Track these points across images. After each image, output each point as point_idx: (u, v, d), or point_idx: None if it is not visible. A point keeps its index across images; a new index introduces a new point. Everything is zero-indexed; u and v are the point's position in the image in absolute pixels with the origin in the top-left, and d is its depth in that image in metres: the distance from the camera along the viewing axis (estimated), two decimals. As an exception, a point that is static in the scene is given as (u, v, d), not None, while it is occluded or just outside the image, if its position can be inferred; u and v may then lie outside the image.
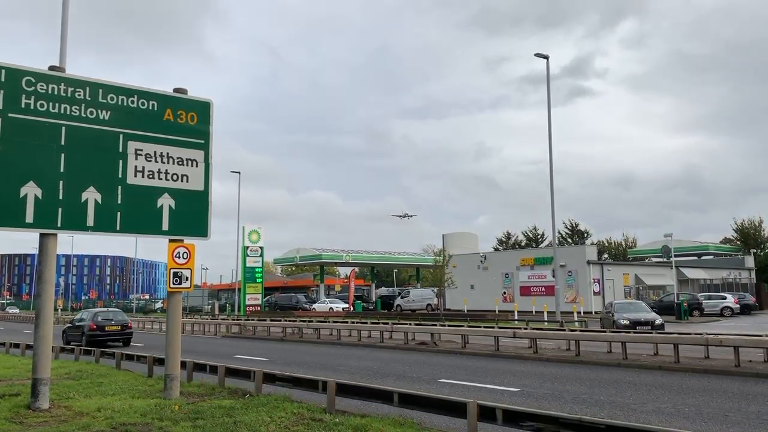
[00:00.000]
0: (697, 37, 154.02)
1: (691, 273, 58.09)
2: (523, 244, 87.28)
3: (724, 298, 44.83)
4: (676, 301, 39.66)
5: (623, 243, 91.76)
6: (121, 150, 10.98)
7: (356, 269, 74.16)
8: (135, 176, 11.09)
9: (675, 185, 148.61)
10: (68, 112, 10.42)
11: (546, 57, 32.89)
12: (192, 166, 11.74)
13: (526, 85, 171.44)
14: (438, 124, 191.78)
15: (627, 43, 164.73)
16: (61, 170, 10.29)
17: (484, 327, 24.71)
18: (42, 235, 10.28)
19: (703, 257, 72.27)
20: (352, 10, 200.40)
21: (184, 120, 11.73)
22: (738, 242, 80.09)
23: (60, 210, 10.25)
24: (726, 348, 15.52)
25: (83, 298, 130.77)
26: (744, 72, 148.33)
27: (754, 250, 73.79)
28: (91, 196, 10.54)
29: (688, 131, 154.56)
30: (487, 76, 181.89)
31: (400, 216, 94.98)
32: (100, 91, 10.81)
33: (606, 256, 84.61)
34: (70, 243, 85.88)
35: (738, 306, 43.96)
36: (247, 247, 55.66)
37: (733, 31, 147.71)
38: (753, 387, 12.46)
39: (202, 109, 12.02)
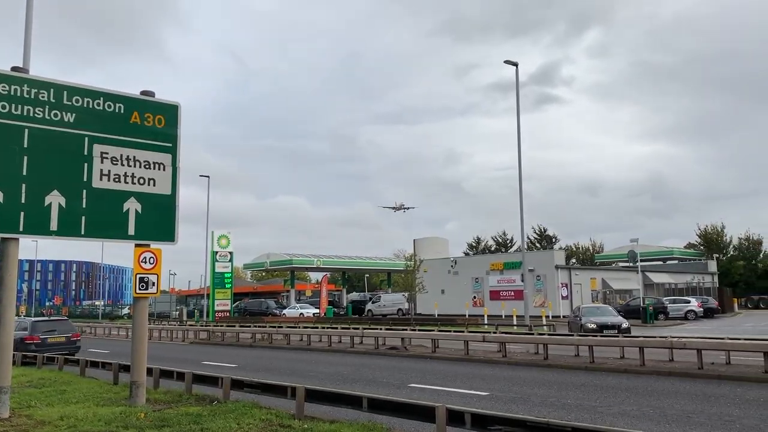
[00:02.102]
0: (660, 48, 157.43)
1: (656, 277, 59.15)
2: (492, 248, 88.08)
3: (688, 302, 45.74)
4: (642, 305, 40.35)
5: (590, 248, 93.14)
6: (86, 153, 10.79)
7: (328, 274, 73.81)
8: (100, 180, 10.90)
9: (640, 192, 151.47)
10: (31, 114, 10.20)
11: (515, 64, 33.24)
12: (159, 169, 11.59)
13: (495, 93, 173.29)
14: (409, 130, 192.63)
15: (592, 52, 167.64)
16: (24, 173, 10.06)
17: (454, 331, 24.84)
18: (3, 240, 10.03)
19: (668, 262, 73.76)
20: (322, 16, 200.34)
21: (151, 123, 11.58)
22: (701, 247, 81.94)
23: (22, 214, 10.02)
24: (689, 351, 15.83)
25: (47, 304, 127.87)
26: (704, 82, 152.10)
27: (717, 255, 75.63)
28: (55, 199, 10.33)
29: (653, 139, 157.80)
30: (457, 83, 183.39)
31: (393, 208, 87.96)
32: (65, 92, 10.62)
33: (574, 260, 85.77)
34: (34, 248, 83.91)
35: (701, 310, 44.87)
36: (216, 252, 55.06)
37: (694, 42, 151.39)
38: (715, 389, 12.72)
39: (170, 112, 11.88)
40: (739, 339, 17.64)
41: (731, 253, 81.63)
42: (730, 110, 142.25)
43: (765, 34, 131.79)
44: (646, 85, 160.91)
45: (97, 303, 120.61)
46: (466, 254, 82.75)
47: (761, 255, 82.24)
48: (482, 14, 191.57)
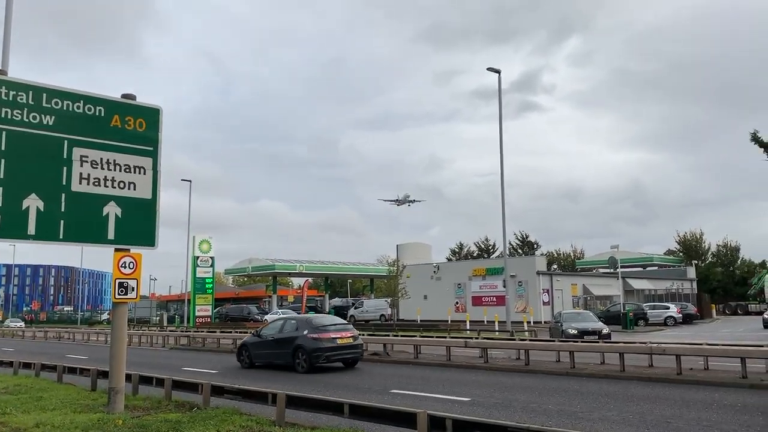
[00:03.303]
0: (640, 56, 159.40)
1: (636, 284, 59.76)
2: (475, 254, 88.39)
3: (668, 308, 46.27)
4: (622, 311, 40.72)
5: (572, 254, 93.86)
6: (65, 156, 10.66)
7: (310, 280, 73.57)
8: (80, 183, 10.77)
9: (621, 198, 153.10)
10: (9, 117, 10.05)
11: (498, 71, 33.47)
12: (140, 173, 11.48)
13: (477, 99, 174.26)
14: (391, 135, 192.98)
15: (573, 60, 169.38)
16: (1, 176, 9.90)
17: (436, 337, 24.86)
18: (-21, 244, 9.87)
19: (648, 268, 74.57)
20: (303, 22, 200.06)
21: (132, 126, 11.48)
22: (681, 254, 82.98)
23: (-1, 217, 9.86)
24: (669, 356, 15.99)
25: (25, 309, 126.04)
26: (684, 91, 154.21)
27: (696, 262, 76.60)
28: (33, 203, 10.18)
29: (633, 147, 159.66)
30: (439, 89, 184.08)
31: (396, 201, 79.07)
32: (44, 95, 10.48)
33: (555, 266, 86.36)
34: (11, 252, 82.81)
35: (680, 315, 45.42)
36: (198, 257, 54.70)
37: (673, 51, 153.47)
38: (694, 394, 12.85)
39: (151, 115, 11.78)
40: (716, 345, 17.85)
41: (710, 259, 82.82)
42: (709, 118, 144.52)
43: (743, 43, 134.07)
44: (627, 92, 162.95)
45: (66, 309, 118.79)
46: (449, 260, 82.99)
47: (738, 261, 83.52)
48: (464, 21, 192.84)
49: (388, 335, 26.46)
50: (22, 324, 72.92)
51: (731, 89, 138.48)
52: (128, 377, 12.27)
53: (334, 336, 18.47)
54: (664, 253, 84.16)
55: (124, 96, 11.64)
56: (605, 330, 25.15)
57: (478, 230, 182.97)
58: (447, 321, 44.47)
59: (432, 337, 24.99)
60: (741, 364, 14.53)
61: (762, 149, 33.81)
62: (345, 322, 21.91)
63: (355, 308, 55.77)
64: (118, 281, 11.29)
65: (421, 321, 46.55)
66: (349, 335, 19.13)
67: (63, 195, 10.57)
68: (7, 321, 78.38)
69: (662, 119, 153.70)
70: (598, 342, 20.24)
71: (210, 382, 11.32)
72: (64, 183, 10.60)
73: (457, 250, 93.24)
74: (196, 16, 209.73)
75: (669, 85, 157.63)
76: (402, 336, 25.79)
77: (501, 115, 34.05)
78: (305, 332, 18.45)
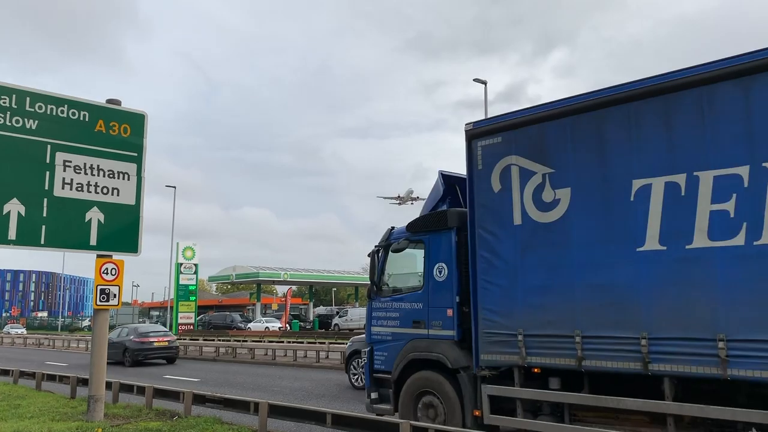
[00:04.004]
0: (621, 69, 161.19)
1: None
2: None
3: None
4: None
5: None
6: (48, 161, 10.57)
7: (294, 287, 73.09)
8: (62, 188, 10.68)
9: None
10: (-8, 120, 9.97)
11: (484, 82, 33.67)
12: (123, 179, 11.41)
13: (463, 109, 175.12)
14: (376, 144, 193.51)
15: (558, 72, 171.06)
16: (-18, 180, 9.81)
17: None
18: (-42, 248, 9.75)
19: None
20: (288, 31, 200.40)
21: (116, 132, 11.41)
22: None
23: (-21, 222, 9.75)
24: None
25: (4, 314, 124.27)
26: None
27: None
28: (14, 207, 10.07)
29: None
30: (424, 99, 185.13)
31: (397, 199, 69.01)
32: (28, 99, 10.40)
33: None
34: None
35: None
36: (181, 264, 54.25)
37: (654, 64, 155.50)
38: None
39: (136, 121, 11.72)
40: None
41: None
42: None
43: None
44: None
45: (40, 315, 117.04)
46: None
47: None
48: (450, 33, 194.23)
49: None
50: (24, 330, 70.98)
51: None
52: (108, 385, 12.13)
53: (153, 340, 25.12)
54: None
55: (109, 101, 11.58)
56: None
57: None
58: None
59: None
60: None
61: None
62: (165, 330, 28.87)
63: (340, 317, 55.57)
64: (99, 288, 11.19)
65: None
66: (166, 340, 25.74)
67: (45, 200, 10.47)
68: (7, 327, 76.28)
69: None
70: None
71: (192, 391, 11.21)
72: (46, 188, 10.50)
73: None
74: (181, 23, 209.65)
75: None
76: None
77: (487, 125, 34.19)
78: (131, 337, 25.03)
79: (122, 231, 11.35)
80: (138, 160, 11.64)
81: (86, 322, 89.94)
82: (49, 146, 10.59)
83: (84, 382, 12.89)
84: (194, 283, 55.41)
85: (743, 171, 5.91)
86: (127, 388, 12.79)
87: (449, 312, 8.32)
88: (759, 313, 5.68)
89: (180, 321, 53.27)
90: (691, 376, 6.09)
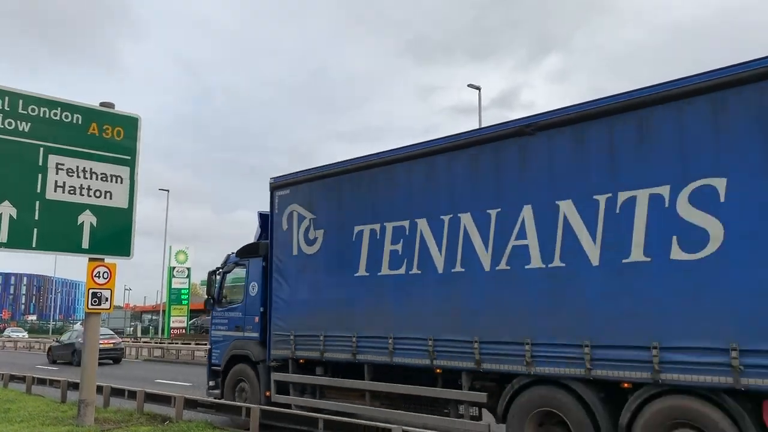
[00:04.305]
0: (614, 76, 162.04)
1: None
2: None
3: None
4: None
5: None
6: (40, 164, 10.52)
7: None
8: (55, 191, 10.63)
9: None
10: (-16, 122, 9.92)
11: (478, 88, 33.77)
12: (116, 182, 11.37)
13: (457, 114, 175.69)
14: (370, 147, 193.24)
15: (552, 78, 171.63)
16: (-27, 183, 9.76)
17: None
18: (-51, 251, 9.68)
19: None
20: (284, 35, 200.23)
21: (110, 135, 11.37)
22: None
23: (-30, 224, 9.69)
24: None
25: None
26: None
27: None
28: (6, 210, 10.02)
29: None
30: (419, 103, 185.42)
31: None
32: (21, 101, 10.36)
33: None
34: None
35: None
36: (174, 268, 54.04)
37: (646, 71, 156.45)
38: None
39: (130, 124, 11.69)
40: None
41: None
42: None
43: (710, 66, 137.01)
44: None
45: (30, 318, 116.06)
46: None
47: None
48: (445, 38, 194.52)
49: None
50: (26, 334, 70.11)
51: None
52: (99, 389, 12.06)
53: (99, 342, 25.45)
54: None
55: (103, 104, 11.55)
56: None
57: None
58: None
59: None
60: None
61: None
62: (112, 333, 31.23)
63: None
64: (91, 291, 11.13)
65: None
66: (111, 342, 28.46)
67: (37, 203, 10.42)
68: (8, 330, 75.30)
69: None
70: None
71: (183, 395, 11.17)
72: (38, 190, 10.46)
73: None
74: (175, 26, 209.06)
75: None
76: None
77: (481, 131, 34.29)
78: (80, 339, 25.51)
79: (115, 234, 11.31)
80: (131, 163, 11.60)
81: (77, 326, 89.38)
82: (41, 149, 10.54)
83: (74, 385, 12.82)
84: (187, 287, 55.20)
85: (406, 223, 8.97)
86: (118, 393, 12.73)
87: (256, 319, 11.17)
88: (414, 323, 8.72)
89: (172, 325, 53.05)
90: (379, 363, 9.08)
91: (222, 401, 10.82)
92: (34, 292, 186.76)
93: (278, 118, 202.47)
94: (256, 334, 11.12)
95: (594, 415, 6.89)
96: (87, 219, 10.95)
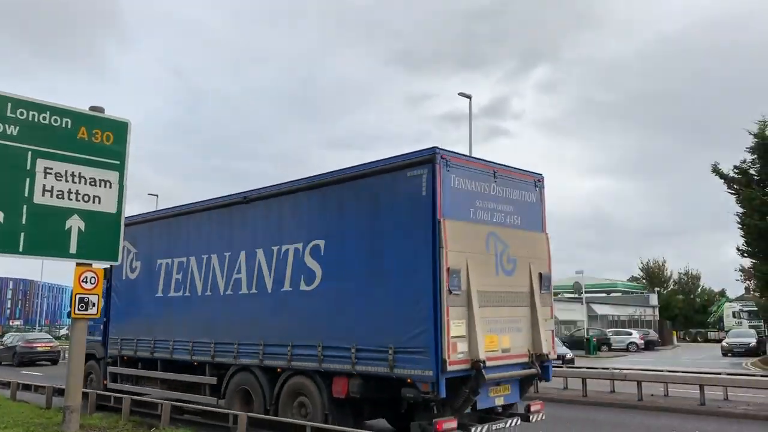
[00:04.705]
0: (603, 87, 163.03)
1: (600, 309, 60.43)
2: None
3: (630, 334, 46.89)
4: (586, 336, 41.12)
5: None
6: (29, 168, 10.44)
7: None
8: (43, 195, 10.54)
9: (585, 225, 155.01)
10: (-28, 126, 9.83)
11: (469, 97, 33.85)
12: (105, 187, 11.30)
13: (447, 123, 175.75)
14: (361, 155, 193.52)
15: (541, 88, 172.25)
16: (-40, 186, 9.66)
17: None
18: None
19: (612, 294, 75.50)
20: (276, 41, 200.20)
21: (99, 140, 11.31)
22: (644, 281, 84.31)
23: (-44, 228, 9.59)
24: (630, 382, 16.19)
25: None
26: (647, 122, 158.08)
27: (658, 289, 77.91)
28: (-7, 214, 9.91)
29: (597, 175, 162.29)
30: (409, 112, 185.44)
31: None
32: (9, 105, 10.29)
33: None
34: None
35: (643, 342, 46.04)
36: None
37: (638, 83, 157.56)
38: (655, 420, 13.03)
39: (119, 129, 11.62)
40: (677, 372, 18.15)
41: (671, 287, 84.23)
42: (670, 149, 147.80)
43: (701, 79, 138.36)
44: (592, 121, 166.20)
45: (16, 323, 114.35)
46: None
47: (699, 290, 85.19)
48: (435, 47, 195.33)
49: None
50: None
51: (689, 122, 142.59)
52: (85, 395, 11.95)
53: (37, 346, 31.32)
54: (628, 280, 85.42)
55: (92, 108, 11.48)
56: (569, 355, 25.38)
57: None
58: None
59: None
60: (699, 392, 14.79)
61: (722, 180, 34.76)
62: (50, 337, 36.15)
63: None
64: (78, 296, 11.04)
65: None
66: (49, 345, 31.94)
67: (25, 207, 10.34)
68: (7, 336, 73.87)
69: (625, 148, 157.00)
70: (561, 367, 20.35)
71: (170, 402, 11.09)
72: (26, 195, 10.37)
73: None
74: (165, 31, 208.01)
75: (632, 116, 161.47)
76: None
77: (471, 140, 34.32)
78: (20, 343, 31.26)
79: (102, 239, 11.22)
80: (120, 168, 11.53)
81: (64, 331, 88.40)
82: (30, 153, 10.46)
83: (60, 392, 12.69)
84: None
85: (184, 259, 12.70)
86: (104, 399, 12.61)
87: (102, 326, 14.74)
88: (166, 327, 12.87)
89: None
90: (165, 359, 12.95)
91: (207, 408, 10.75)
92: (20, 297, 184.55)
93: (267, 124, 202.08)
94: (100, 338, 14.76)
95: (263, 388, 10.43)
96: (75, 224, 10.87)
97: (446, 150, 8.79)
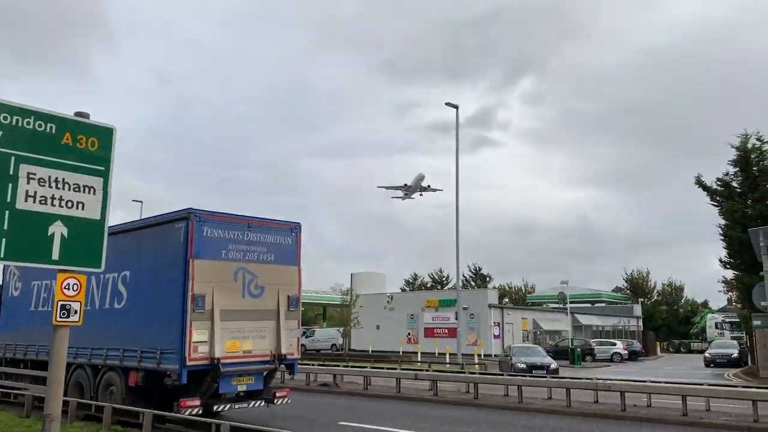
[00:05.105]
0: (588, 98, 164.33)
1: (584, 319, 60.79)
2: (429, 285, 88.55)
3: (614, 344, 47.18)
4: (570, 346, 41.28)
5: (523, 288, 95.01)
6: (11, 173, 10.30)
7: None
8: (25, 201, 10.41)
9: (570, 235, 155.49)
10: (-46, 130, 9.72)
11: (456, 106, 34.13)
12: (89, 193, 11.19)
13: (433, 132, 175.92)
14: (347, 164, 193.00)
15: (526, 99, 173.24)
16: (-59, 191, 9.53)
17: (387, 368, 24.72)
18: None
19: (596, 304, 76.00)
20: (262, 48, 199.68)
21: (84, 145, 11.20)
22: (628, 291, 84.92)
23: (-64, 233, 9.46)
24: (614, 393, 16.28)
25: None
26: (630, 133, 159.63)
27: (642, 300, 78.53)
28: (-26, 220, 9.78)
29: (582, 185, 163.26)
30: (396, 120, 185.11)
31: (402, 189, 56.08)
32: (-7, 109, 10.17)
33: (506, 300, 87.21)
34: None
35: (626, 352, 46.36)
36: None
37: (619, 95, 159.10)
38: (637, 430, 13.09)
39: (105, 135, 11.52)
40: (659, 382, 18.28)
41: (655, 298, 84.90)
42: (654, 160, 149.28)
43: (685, 91, 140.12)
44: (577, 132, 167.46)
45: None
46: (403, 290, 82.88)
47: (682, 301, 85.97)
48: (422, 57, 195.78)
49: (339, 366, 26.18)
50: None
51: (673, 134, 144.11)
52: (65, 404, 11.80)
53: None
54: (612, 290, 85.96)
55: (77, 114, 11.40)
56: (553, 365, 25.46)
57: (432, 261, 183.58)
58: (399, 352, 44.31)
59: (382, 368, 24.85)
60: (682, 402, 14.90)
61: (705, 192, 35.18)
62: None
63: (306, 337, 55.01)
64: (60, 303, 10.89)
65: (372, 351, 46.27)
66: None
67: (6, 212, 10.19)
68: None
69: (610, 159, 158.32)
70: (546, 377, 20.43)
71: (152, 411, 10.98)
72: (8, 200, 10.23)
73: (411, 280, 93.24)
74: (151, 37, 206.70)
75: (616, 127, 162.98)
76: (352, 367, 25.56)
77: (458, 149, 34.62)
78: None
79: (86, 245, 11.10)
80: (105, 175, 11.43)
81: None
82: (13, 158, 10.33)
83: (40, 400, 12.52)
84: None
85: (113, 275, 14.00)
86: (85, 408, 12.47)
87: None
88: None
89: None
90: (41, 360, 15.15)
91: (191, 417, 10.66)
92: (1, 303, 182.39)
93: (254, 132, 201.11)
94: None
95: (90, 381, 13.84)
96: (58, 230, 10.75)
97: (201, 210, 12.16)
